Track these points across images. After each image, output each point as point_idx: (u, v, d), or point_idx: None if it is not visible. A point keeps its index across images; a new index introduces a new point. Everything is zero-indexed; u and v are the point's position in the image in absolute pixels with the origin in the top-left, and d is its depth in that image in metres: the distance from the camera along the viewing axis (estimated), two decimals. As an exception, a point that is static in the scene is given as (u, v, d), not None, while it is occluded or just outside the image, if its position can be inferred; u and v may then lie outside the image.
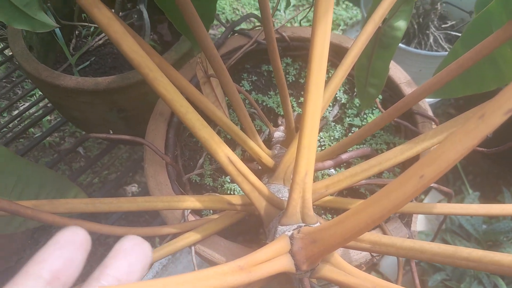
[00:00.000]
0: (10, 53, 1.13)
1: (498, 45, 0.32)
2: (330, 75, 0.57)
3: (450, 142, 0.22)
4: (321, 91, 0.30)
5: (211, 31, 1.61)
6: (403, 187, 0.23)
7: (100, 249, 1.08)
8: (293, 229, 0.31)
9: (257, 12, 1.73)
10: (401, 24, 0.42)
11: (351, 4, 1.68)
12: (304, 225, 0.31)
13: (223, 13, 1.71)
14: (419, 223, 1.18)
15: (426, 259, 0.31)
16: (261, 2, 0.38)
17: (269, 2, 0.39)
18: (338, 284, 0.30)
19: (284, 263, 0.29)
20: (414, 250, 0.31)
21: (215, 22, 1.67)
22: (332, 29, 1.64)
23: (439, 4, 0.78)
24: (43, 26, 0.42)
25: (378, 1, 0.42)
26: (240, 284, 0.24)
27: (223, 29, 1.67)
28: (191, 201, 0.38)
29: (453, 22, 0.86)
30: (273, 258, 0.29)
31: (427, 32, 0.81)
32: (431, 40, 0.81)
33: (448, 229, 1.04)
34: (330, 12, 0.29)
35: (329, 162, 0.43)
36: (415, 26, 0.81)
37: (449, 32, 0.85)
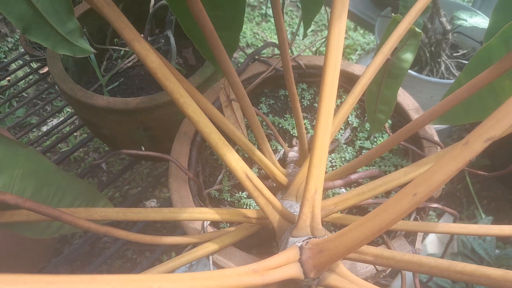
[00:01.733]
0: (42, 72, 1.20)
1: (491, 79, 0.36)
2: (343, 100, 0.61)
3: (439, 165, 0.25)
4: (330, 117, 0.34)
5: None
6: (399, 203, 0.27)
7: (118, 262, 1.12)
8: (303, 241, 0.34)
9: (276, 38, 1.79)
10: (409, 57, 0.46)
11: (368, 30, 1.72)
12: (313, 237, 0.35)
13: (244, 37, 1.78)
14: (432, 245, 1.19)
15: (424, 272, 0.33)
16: (280, 37, 0.43)
17: (286, 35, 0.43)
18: (343, 291, 0.33)
19: (293, 270, 0.32)
20: (413, 263, 0.34)
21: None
22: (350, 54, 1.69)
23: (450, 34, 0.82)
24: (82, 52, 0.47)
25: (388, 35, 0.46)
26: (253, 284, 0.28)
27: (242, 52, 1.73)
28: (211, 213, 0.42)
29: (465, 51, 0.90)
30: (284, 265, 0.32)
31: (439, 60, 0.85)
32: (442, 68, 0.84)
33: (461, 252, 1.04)
34: (339, 53, 0.33)
35: (339, 182, 0.47)
36: (427, 55, 0.84)
37: (460, 60, 0.89)
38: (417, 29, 0.44)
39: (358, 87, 0.44)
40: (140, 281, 0.20)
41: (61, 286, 0.17)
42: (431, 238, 1.22)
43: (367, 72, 0.44)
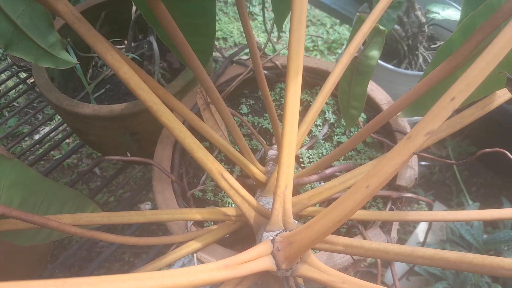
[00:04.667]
0: (31, 81, 1.22)
1: (448, 71, 0.38)
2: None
3: (387, 159, 0.27)
4: (295, 118, 0.36)
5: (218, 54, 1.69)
6: (354, 195, 0.29)
7: (115, 265, 1.14)
8: (275, 235, 0.36)
9: (264, 34, 1.81)
10: (375, 54, 0.48)
11: (351, 26, 1.74)
12: (285, 231, 0.37)
13: (231, 36, 1.79)
14: (423, 234, 1.21)
15: (390, 259, 0.36)
16: (248, 42, 0.45)
17: (255, 42, 0.45)
18: (314, 280, 0.35)
19: (266, 263, 0.34)
20: (380, 251, 0.36)
21: (224, 45, 1.75)
22: (336, 48, 1.71)
23: (426, 26, 0.84)
24: (65, 63, 0.49)
25: (354, 34, 0.48)
26: (225, 278, 0.30)
27: (231, 51, 1.74)
28: (192, 213, 0.44)
29: (442, 43, 0.92)
30: (256, 258, 0.34)
31: (417, 53, 0.87)
32: (420, 60, 0.86)
33: (449, 239, 1.07)
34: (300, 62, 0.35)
35: (314, 177, 0.49)
36: (405, 48, 0.86)
37: (438, 52, 0.91)
38: (381, 27, 0.46)
39: (327, 87, 0.46)
40: (109, 281, 0.22)
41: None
42: (422, 227, 1.25)
43: (334, 72, 0.46)
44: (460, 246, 1.05)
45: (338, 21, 1.81)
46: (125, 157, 0.50)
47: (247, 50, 1.53)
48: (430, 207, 0.55)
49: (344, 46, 1.71)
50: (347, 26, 1.78)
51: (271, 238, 0.36)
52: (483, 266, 0.31)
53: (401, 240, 1.19)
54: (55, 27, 0.46)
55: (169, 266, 0.47)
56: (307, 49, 1.69)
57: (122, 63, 0.37)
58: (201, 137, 0.52)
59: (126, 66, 0.37)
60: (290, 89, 0.36)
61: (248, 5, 1.88)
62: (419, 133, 0.26)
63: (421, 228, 1.25)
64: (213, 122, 0.56)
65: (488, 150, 0.45)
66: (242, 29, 1.82)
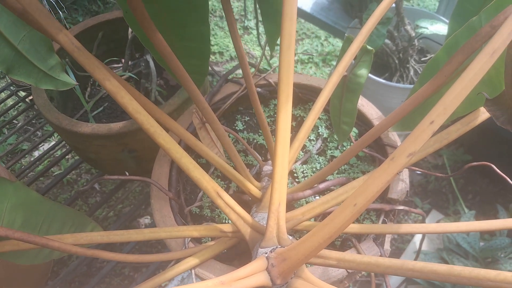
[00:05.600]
0: (30, 99, 1.23)
1: (434, 88, 0.39)
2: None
3: (372, 178, 0.29)
4: (287, 138, 0.38)
5: (216, 68, 1.72)
6: (343, 213, 0.30)
7: (115, 280, 1.15)
8: (269, 251, 0.38)
9: (260, 48, 1.83)
10: (363, 72, 0.50)
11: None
12: (280, 247, 0.38)
13: (227, 50, 1.82)
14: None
15: (381, 271, 0.37)
16: (241, 63, 0.46)
17: (247, 63, 0.47)
18: (308, 295, 0.37)
19: (261, 279, 0.35)
20: (371, 265, 0.37)
21: (220, 59, 1.77)
22: (330, 60, 1.73)
23: (416, 40, 0.86)
24: (65, 85, 0.50)
25: (343, 54, 0.50)
26: (222, 294, 0.31)
27: (227, 65, 1.76)
28: (189, 230, 0.45)
29: (432, 55, 0.94)
30: (252, 274, 0.35)
31: (408, 66, 0.89)
32: (411, 73, 0.88)
33: (446, 248, 1.08)
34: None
35: (308, 191, 0.50)
36: (396, 61, 0.88)
37: (429, 64, 0.93)
38: (368, 47, 0.48)
39: (319, 103, 0.48)
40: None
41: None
42: (420, 236, 1.25)
43: (325, 89, 0.48)
44: (457, 254, 1.06)
45: (332, 34, 1.84)
46: (123, 176, 0.52)
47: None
48: (423, 218, 0.57)
49: (335, 63, 1.73)
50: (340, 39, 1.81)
51: (266, 254, 0.37)
52: (470, 277, 0.33)
53: (399, 249, 1.20)
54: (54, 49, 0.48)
55: (169, 281, 0.48)
56: (302, 62, 1.71)
57: (120, 88, 0.38)
58: (197, 155, 0.53)
59: (124, 91, 0.38)
60: (282, 112, 0.37)
61: (243, 19, 1.91)
62: (402, 154, 0.27)
63: (419, 237, 1.26)
64: (209, 140, 0.57)
65: (475, 163, 0.47)
66: (237, 43, 1.85)
